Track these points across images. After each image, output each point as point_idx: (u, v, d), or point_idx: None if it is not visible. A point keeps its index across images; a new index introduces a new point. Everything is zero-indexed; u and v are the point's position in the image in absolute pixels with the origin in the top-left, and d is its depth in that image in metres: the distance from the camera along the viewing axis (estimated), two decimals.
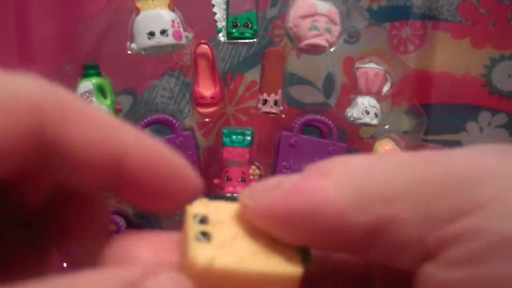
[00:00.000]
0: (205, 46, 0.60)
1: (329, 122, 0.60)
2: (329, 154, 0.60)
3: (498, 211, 0.13)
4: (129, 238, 0.16)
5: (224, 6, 0.60)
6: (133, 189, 0.16)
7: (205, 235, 0.16)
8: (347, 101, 0.63)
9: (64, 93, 0.14)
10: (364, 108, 0.61)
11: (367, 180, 0.14)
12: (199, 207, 0.17)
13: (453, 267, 0.13)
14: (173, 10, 0.57)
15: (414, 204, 0.14)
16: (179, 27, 0.56)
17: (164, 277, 0.14)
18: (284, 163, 0.61)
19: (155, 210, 0.17)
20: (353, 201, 0.14)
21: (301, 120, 0.60)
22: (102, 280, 0.13)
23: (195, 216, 0.16)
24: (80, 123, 0.14)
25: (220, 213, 0.17)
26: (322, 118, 0.61)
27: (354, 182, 0.14)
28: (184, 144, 0.59)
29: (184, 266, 0.15)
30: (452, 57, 0.67)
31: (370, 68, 0.61)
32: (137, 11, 0.56)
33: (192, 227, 0.16)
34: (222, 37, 0.61)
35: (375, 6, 0.66)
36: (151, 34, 0.55)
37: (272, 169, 0.62)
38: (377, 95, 0.62)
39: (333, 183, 0.14)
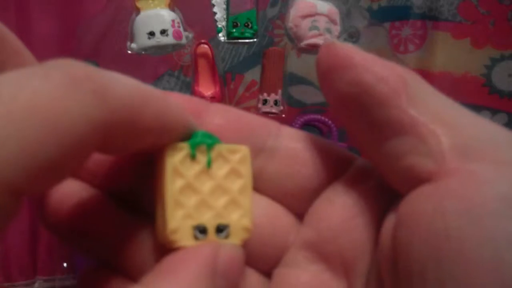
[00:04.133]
0: (205, 46, 0.60)
1: (329, 121, 0.60)
2: None
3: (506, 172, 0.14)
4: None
5: (224, 6, 0.60)
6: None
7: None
8: None
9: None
10: None
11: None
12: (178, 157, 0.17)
13: (454, 197, 0.15)
14: (173, 10, 0.57)
15: (448, 131, 0.16)
16: (179, 27, 0.56)
17: (226, 249, 0.17)
18: None
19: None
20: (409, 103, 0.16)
21: (301, 120, 0.60)
22: (188, 270, 0.15)
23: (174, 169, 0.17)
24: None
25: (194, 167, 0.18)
26: (322, 117, 0.61)
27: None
28: None
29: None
30: (452, 57, 0.67)
31: None
32: (137, 11, 0.56)
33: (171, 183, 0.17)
34: (222, 37, 0.61)
35: (375, 6, 0.66)
36: (151, 34, 0.55)
37: None
38: None
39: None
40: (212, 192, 0.17)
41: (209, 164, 0.18)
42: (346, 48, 0.17)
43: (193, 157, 0.17)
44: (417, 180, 0.16)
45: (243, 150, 0.19)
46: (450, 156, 0.15)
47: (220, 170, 0.18)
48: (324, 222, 0.19)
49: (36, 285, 0.63)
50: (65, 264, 0.63)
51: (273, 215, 0.20)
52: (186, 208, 0.17)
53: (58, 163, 0.13)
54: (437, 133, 0.15)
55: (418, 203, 0.15)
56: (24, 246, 0.62)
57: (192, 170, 0.17)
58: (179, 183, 0.17)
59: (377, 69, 0.16)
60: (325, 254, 0.19)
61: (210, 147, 0.18)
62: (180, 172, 0.17)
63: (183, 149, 0.17)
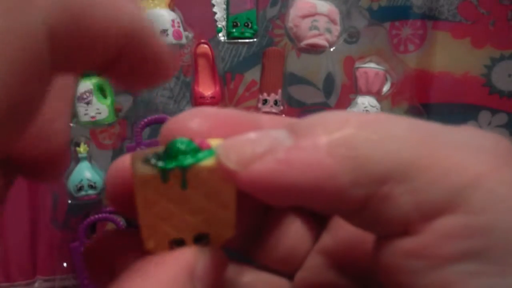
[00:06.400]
0: (205, 46, 0.60)
1: None
2: None
3: (478, 225, 0.14)
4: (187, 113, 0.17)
5: (224, 6, 0.60)
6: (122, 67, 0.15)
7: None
8: (347, 101, 0.63)
9: None
10: (364, 108, 0.61)
11: (367, 155, 0.14)
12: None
13: (420, 254, 0.14)
14: (173, 10, 0.57)
15: (409, 188, 0.14)
16: (179, 26, 0.56)
17: (205, 253, 0.16)
18: None
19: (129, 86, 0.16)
20: (352, 177, 0.14)
21: None
22: (165, 273, 0.15)
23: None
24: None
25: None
26: None
27: (354, 156, 0.14)
28: None
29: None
30: (452, 57, 0.67)
31: (370, 68, 0.61)
32: None
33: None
34: (222, 37, 0.61)
35: (375, 6, 0.66)
36: None
37: None
38: (377, 94, 0.62)
39: (332, 156, 0.14)
40: (189, 213, 0.17)
41: (184, 186, 0.16)
42: (255, 169, 0.15)
43: (166, 181, 0.16)
44: (390, 235, 0.15)
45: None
46: (414, 216, 0.14)
47: (198, 190, 0.16)
48: (342, 231, 0.19)
49: (36, 285, 0.63)
50: (65, 264, 0.63)
51: (293, 222, 0.20)
52: (163, 230, 0.17)
53: (15, 87, 0.11)
54: (394, 195, 0.14)
55: (390, 258, 0.15)
56: (24, 246, 0.62)
57: (166, 195, 0.16)
58: (153, 209, 0.16)
59: (295, 173, 0.14)
60: (341, 263, 0.19)
61: (185, 169, 0.16)
62: (152, 201, 0.16)
63: (156, 177, 0.16)
